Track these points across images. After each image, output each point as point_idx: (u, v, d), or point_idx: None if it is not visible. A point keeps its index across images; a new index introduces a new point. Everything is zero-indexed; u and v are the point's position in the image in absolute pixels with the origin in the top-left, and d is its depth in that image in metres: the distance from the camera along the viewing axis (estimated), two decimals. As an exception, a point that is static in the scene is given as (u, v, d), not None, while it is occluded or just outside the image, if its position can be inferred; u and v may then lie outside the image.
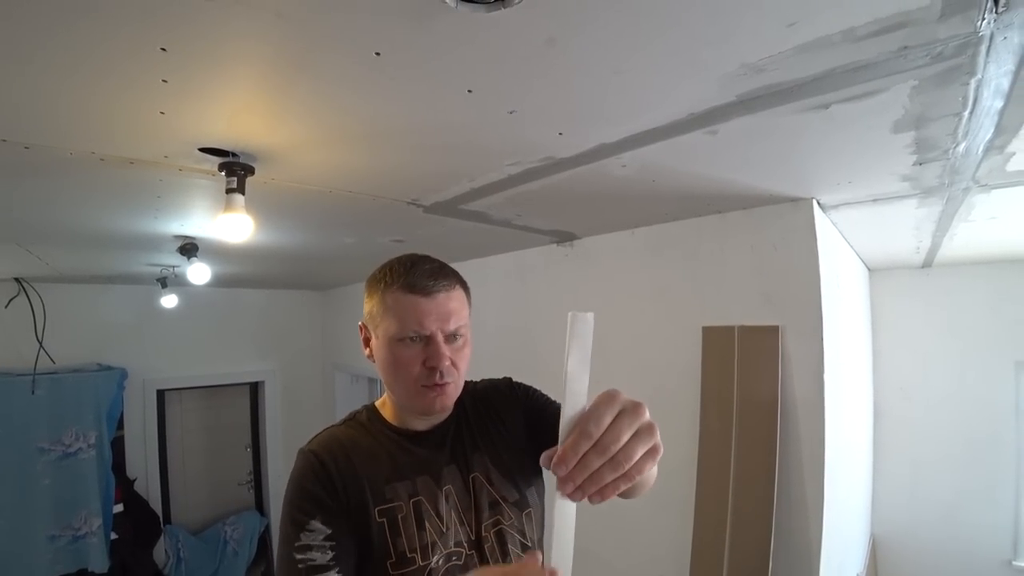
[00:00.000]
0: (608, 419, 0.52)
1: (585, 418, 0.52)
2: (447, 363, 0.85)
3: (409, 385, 0.86)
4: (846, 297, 2.39)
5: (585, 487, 0.51)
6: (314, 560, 0.77)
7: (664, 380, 2.12)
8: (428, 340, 0.85)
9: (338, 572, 0.78)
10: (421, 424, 0.94)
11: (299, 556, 0.78)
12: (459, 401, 0.98)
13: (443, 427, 0.96)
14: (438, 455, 0.93)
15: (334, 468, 0.85)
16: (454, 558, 0.86)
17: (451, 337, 0.87)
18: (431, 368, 0.85)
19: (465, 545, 0.88)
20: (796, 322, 1.77)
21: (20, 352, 3.47)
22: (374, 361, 0.92)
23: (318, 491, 0.82)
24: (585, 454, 0.50)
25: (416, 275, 0.86)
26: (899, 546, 3.38)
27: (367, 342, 0.93)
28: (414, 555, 0.83)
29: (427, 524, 0.86)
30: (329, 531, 0.80)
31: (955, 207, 1.86)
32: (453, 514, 0.89)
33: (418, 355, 0.85)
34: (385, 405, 0.97)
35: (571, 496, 0.51)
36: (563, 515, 0.53)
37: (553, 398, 1.03)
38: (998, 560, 3.05)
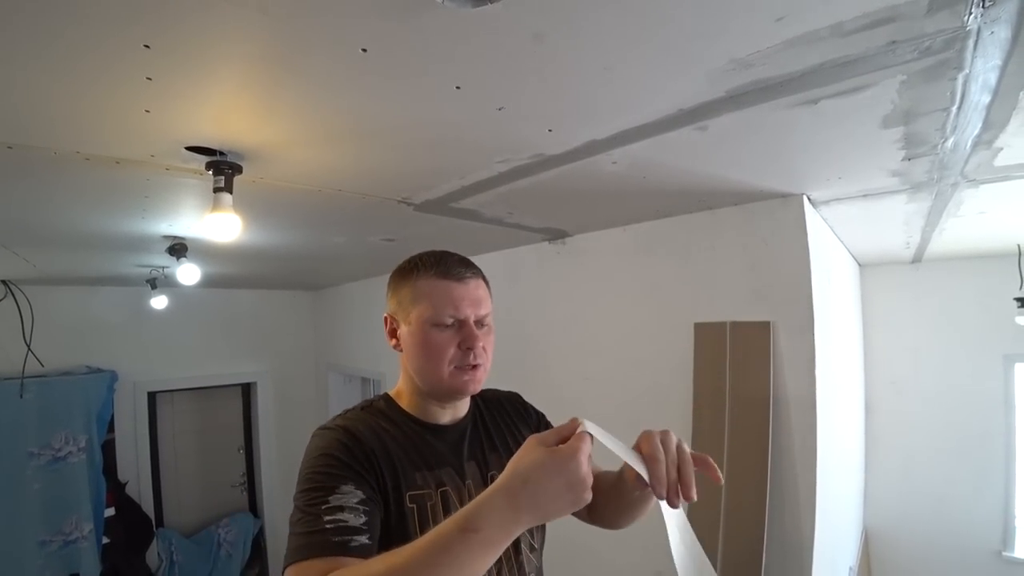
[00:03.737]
0: (657, 441, 0.72)
1: (650, 451, 0.71)
2: (481, 345, 0.89)
3: (443, 367, 0.88)
4: (837, 292, 2.41)
5: (681, 492, 0.68)
6: (346, 521, 0.72)
7: (656, 376, 2.12)
8: (462, 324, 0.89)
9: (368, 539, 0.73)
10: (442, 417, 0.96)
11: (328, 517, 0.72)
12: (474, 403, 1.02)
13: (462, 424, 0.98)
14: (458, 450, 0.95)
15: (368, 444, 0.83)
16: None
17: (479, 324, 0.91)
18: (467, 350, 0.88)
19: None
20: (787, 318, 1.78)
21: (8, 355, 3.42)
22: (401, 350, 0.94)
23: (351, 462, 0.79)
24: (667, 470, 0.69)
25: (448, 264, 0.91)
26: (891, 538, 3.41)
27: (393, 332, 0.95)
28: None
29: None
30: (363, 496, 0.76)
31: (944, 202, 1.88)
32: None
33: (452, 338, 0.88)
34: (401, 395, 0.97)
35: (672, 503, 0.69)
36: (673, 522, 0.72)
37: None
38: (988, 551, 3.08)
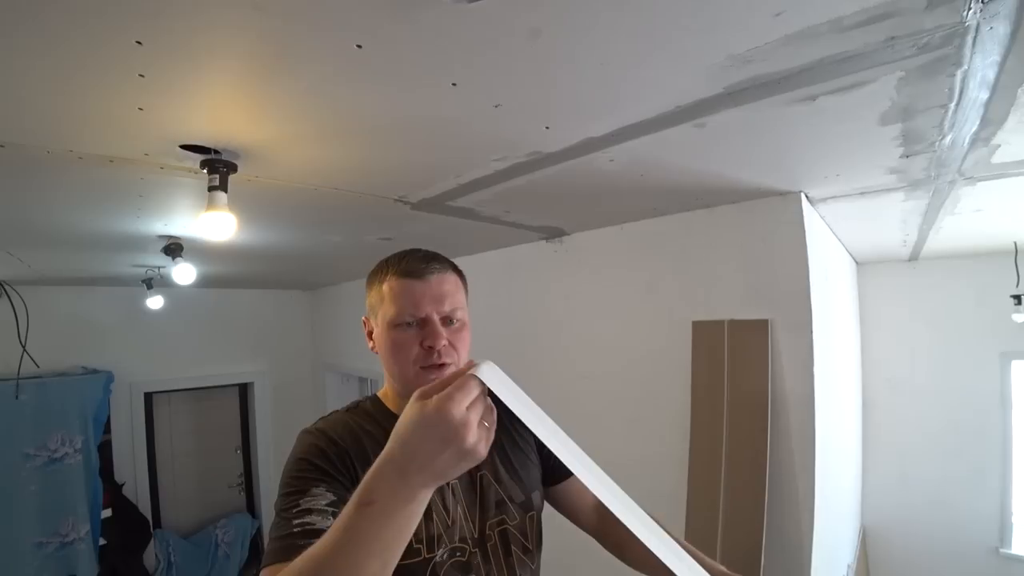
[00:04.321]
0: None
1: None
2: (444, 343, 0.86)
3: (408, 368, 0.87)
4: (835, 290, 2.41)
5: None
6: (313, 524, 0.72)
7: (654, 375, 2.12)
8: (424, 322, 0.86)
9: None
10: None
11: (297, 521, 0.73)
12: None
13: None
14: None
15: (345, 447, 0.84)
16: (458, 553, 0.86)
17: (447, 320, 0.88)
18: (429, 348, 0.86)
19: (469, 542, 0.88)
20: (785, 316, 1.77)
21: (3, 356, 3.41)
22: (377, 352, 0.93)
23: (325, 466, 0.80)
24: None
25: (409, 261, 0.89)
26: (889, 536, 3.42)
27: (370, 335, 0.95)
28: (420, 546, 0.82)
29: (434, 516, 0.86)
30: (333, 498, 0.77)
31: (941, 200, 1.88)
32: (459, 509, 0.89)
33: (415, 337, 0.86)
34: (387, 396, 0.96)
35: None
36: None
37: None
38: (985, 547, 3.09)
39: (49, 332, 3.59)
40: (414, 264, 0.88)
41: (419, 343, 0.86)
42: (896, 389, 3.42)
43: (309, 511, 0.74)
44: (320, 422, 0.90)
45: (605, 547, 1.04)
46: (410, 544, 0.80)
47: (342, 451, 0.83)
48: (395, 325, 0.87)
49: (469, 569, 0.86)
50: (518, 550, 0.93)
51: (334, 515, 0.74)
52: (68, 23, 0.76)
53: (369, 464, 0.82)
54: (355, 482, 0.80)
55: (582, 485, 1.04)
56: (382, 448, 0.86)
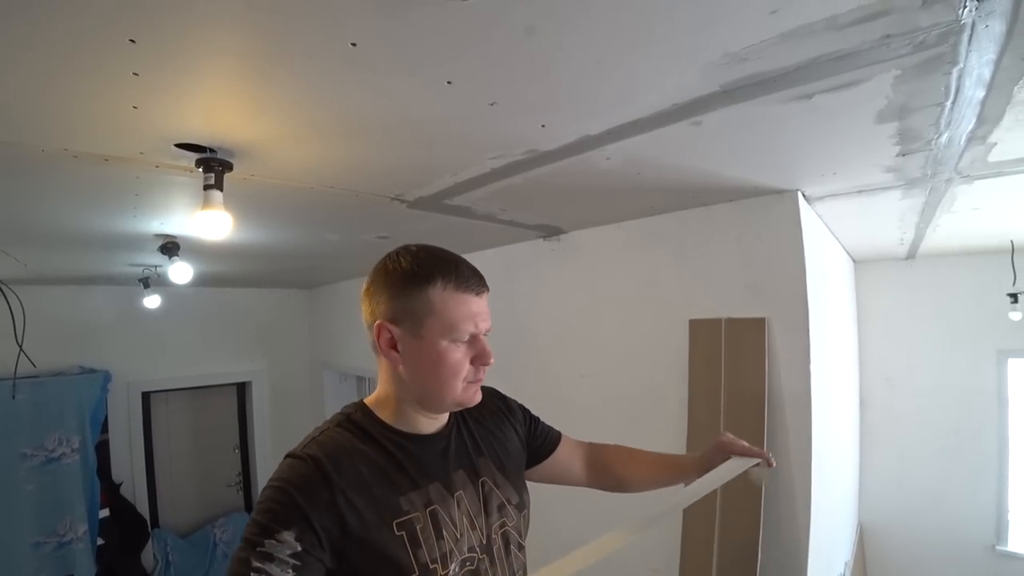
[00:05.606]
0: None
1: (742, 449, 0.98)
2: (492, 360, 0.88)
3: (457, 384, 0.85)
4: (832, 288, 2.41)
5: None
6: (270, 574, 0.70)
7: (652, 373, 2.12)
8: (474, 339, 0.86)
9: None
10: (425, 427, 0.91)
11: (256, 563, 0.70)
12: None
13: (445, 431, 0.94)
14: (444, 461, 0.91)
15: (340, 481, 0.77)
16: (468, 564, 0.86)
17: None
18: (481, 366, 0.87)
19: (477, 549, 0.88)
20: (782, 314, 1.78)
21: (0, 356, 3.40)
22: (399, 362, 0.85)
23: (305, 504, 0.74)
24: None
25: (465, 275, 0.85)
26: (886, 533, 3.42)
27: (392, 343, 0.85)
28: (435, 566, 0.80)
29: (444, 532, 0.84)
30: (299, 548, 0.72)
31: (938, 198, 1.88)
32: (465, 519, 0.88)
33: (467, 354, 0.85)
34: (385, 405, 0.90)
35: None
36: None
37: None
38: (982, 545, 3.10)
39: (46, 331, 3.57)
40: (471, 279, 0.85)
41: (469, 360, 0.86)
42: (893, 387, 3.42)
43: (271, 557, 0.71)
44: (313, 445, 0.82)
45: (606, 489, 1.09)
46: (425, 565, 0.79)
47: (332, 487, 0.77)
48: (452, 340, 0.83)
49: (478, 574, 0.86)
50: (515, 548, 0.94)
51: (295, 568, 0.71)
52: (61, 21, 0.75)
53: (366, 489, 0.80)
54: (336, 520, 0.76)
55: (569, 449, 1.10)
56: (378, 467, 0.84)
